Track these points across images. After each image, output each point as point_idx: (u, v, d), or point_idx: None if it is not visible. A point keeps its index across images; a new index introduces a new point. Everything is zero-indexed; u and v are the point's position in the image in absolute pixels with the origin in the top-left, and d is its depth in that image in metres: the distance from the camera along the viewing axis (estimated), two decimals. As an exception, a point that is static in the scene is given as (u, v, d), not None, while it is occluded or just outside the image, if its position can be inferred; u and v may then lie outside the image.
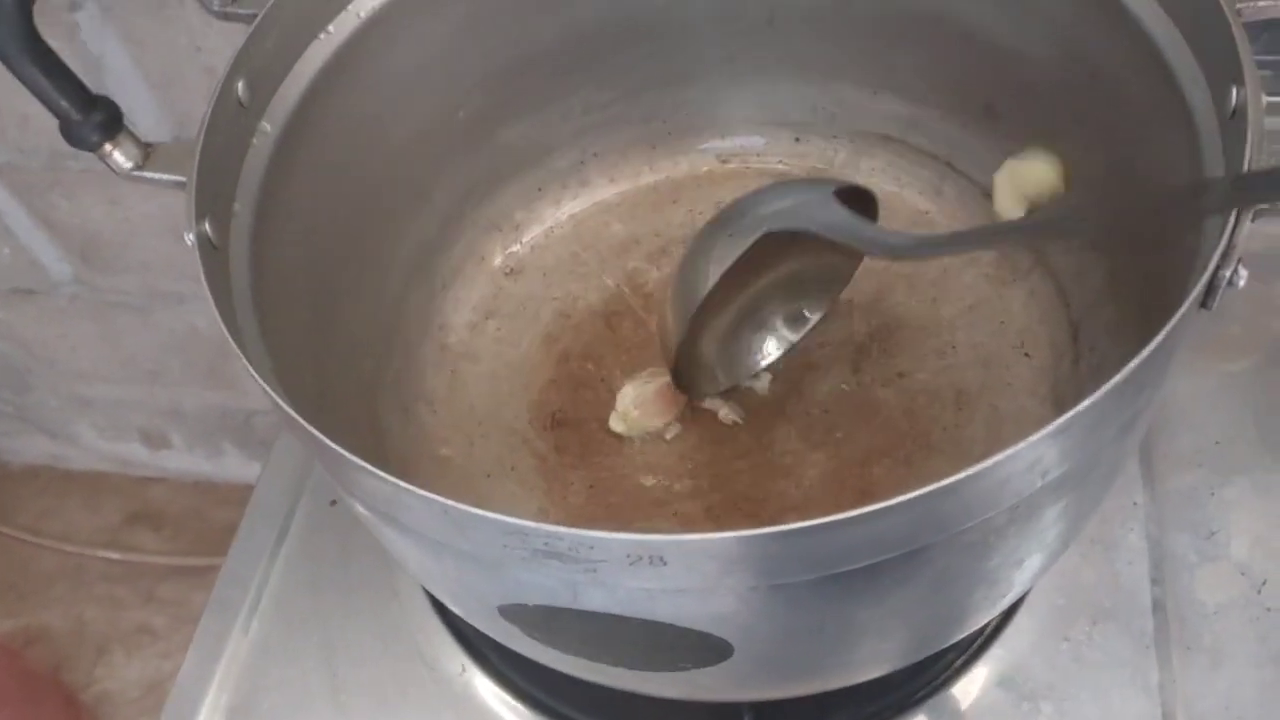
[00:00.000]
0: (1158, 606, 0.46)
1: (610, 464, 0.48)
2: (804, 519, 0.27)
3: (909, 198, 0.55)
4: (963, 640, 0.45)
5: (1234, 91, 0.34)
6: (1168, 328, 0.29)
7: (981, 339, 0.50)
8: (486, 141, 0.53)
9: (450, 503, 0.29)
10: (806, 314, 0.50)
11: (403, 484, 0.29)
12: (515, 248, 0.55)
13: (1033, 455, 0.28)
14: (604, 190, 0.57)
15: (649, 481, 0.48)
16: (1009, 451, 0.28)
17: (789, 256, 0.47)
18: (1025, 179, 0.48)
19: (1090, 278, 0.47)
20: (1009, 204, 0.48)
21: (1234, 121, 0.34)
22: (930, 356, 0.50)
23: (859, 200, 0.44)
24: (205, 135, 0.38)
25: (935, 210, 0.54)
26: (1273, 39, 0.56)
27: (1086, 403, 0.28)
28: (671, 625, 0.32)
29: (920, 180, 0.55)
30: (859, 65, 0.52)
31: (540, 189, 0.56)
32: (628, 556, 0.28)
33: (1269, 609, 0.46)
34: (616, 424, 0.48)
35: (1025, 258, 0.51)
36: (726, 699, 0.39)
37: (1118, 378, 0.28)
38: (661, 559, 0.28)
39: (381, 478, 0.30)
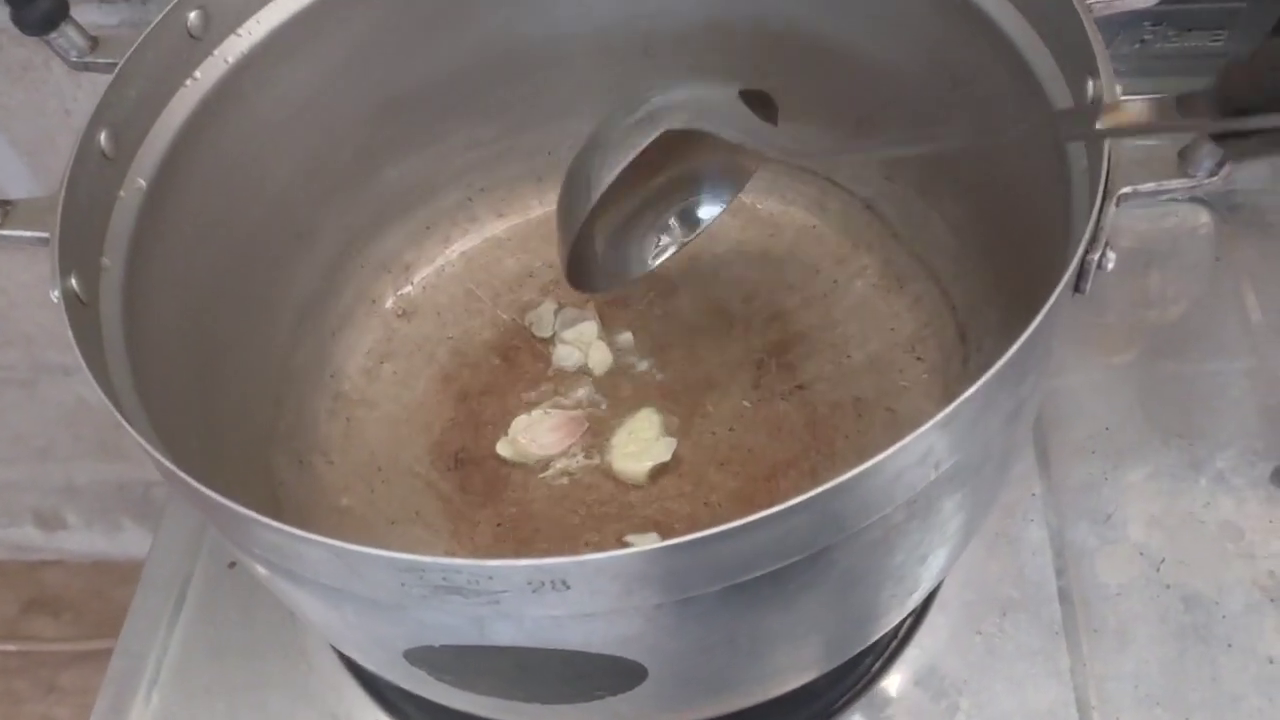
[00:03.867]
0: (1063, 593, 0.47)
1: (516, 500, 0.47)
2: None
3: (795, 214, 0.56)
4: (879, 643, 0.45)
5: (1090, 83, 0.36)
6: (1044, 311, 0.30)
7: (874, 346, 0.51)
8: (370, 182, 0.52)
9: (341, 544, 0.28)
10: (700, 214, 0.50)
11: (291, 529, 0.28)
12: (407, 289, 0.55)
13: (922, 448, 0.29)
14: (494, 226, 0.56)
15: (558, 515, 0.47)
16: (899, 445, 0.28)
17: (686, 154, 0.46)
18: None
19: (972, 279, 0.49)
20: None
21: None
22: (827, 367, 0.50)
23: (760, 104, 0.45)
24: (67, 188, 0.36)
25: (821, 224, 0.55)
26: (1131, 34, 0.59)
27: (970, 390, 0.28)
28: (582, 652, 0.31)
29: (805, 197, 0.56)
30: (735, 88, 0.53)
31: (429, 228, 0.55)
32: (529, 583, 0.28)
33: (1168, 586, 0.47)
34: (503, 448, 0.48)
35: (909, 265, 0.52)
36: (649, 726, 0.38)
37: (1000, 363, 0.29)
38: (564, 583, 0.28)
39: (270, 525, 0.29)
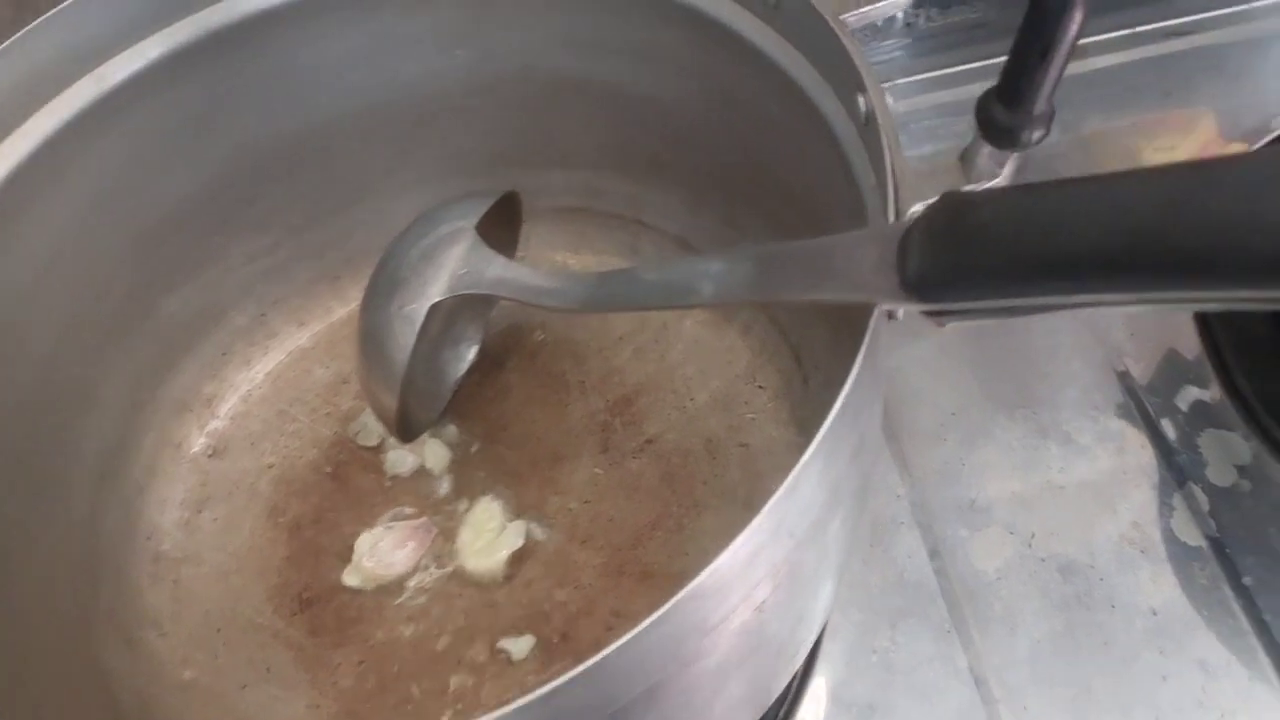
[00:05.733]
0: (945, 590, 0.47)
1: (374, 631, 0.44)
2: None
3: (611, 261, 0.54)
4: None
5: (861, 99, 0.35)
6: (860, 358, 0.29)
7: (716, 384, 0.49)
8: (148, 319, 0.48)
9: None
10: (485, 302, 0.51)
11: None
12: (214, 423, 0.50)
13: (773, 523, 0.27)
14: (296, 337, 0.53)
15: (422, 639, 0.44)
16: (751, 527, 0.26)
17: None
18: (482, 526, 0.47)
19: (796, 304, 0.48)
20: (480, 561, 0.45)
21: (869, 127, 0.35)
22: (673, 414, 0.49)
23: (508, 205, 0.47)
24: None
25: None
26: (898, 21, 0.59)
27: (804, 460, 0.27)
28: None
29: (617, 243, 0.54)
30: (521, 146, 0.51)
31: (225, 353, 0.51)
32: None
33: (1043, 559, 0.48)
34: (350, 577, 0.45)
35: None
36: None
37: (821, 431, 0.27)
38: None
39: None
